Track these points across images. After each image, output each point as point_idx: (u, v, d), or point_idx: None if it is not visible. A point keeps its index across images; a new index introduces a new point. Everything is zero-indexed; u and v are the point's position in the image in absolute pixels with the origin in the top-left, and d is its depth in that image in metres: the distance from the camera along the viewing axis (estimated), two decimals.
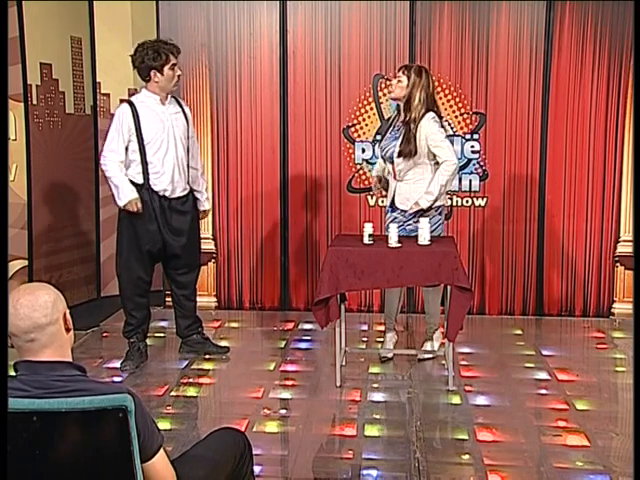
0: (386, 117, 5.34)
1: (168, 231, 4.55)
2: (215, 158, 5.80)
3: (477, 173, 5.65)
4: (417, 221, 4.33)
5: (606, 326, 5.53)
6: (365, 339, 5.22)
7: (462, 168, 5.55)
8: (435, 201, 4.45)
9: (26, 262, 5.45)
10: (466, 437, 3.67)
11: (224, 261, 5.91)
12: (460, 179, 5.61)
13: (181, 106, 4.62)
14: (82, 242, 6.13)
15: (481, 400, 4.14)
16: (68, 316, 2.08)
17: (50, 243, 5.72)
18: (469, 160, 5.64)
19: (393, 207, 4.60)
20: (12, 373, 2.04)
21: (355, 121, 5.67)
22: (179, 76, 4.51)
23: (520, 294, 5.76)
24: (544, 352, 4.93)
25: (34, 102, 5.48)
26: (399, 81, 4.47)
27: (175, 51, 4.46)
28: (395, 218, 4.56)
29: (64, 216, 5.90)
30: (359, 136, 5.69)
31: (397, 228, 4.24)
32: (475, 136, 5.62)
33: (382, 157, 4.65)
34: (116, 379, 4.43)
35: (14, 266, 5.34)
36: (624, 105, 5.51)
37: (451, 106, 5.59)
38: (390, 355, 4.75)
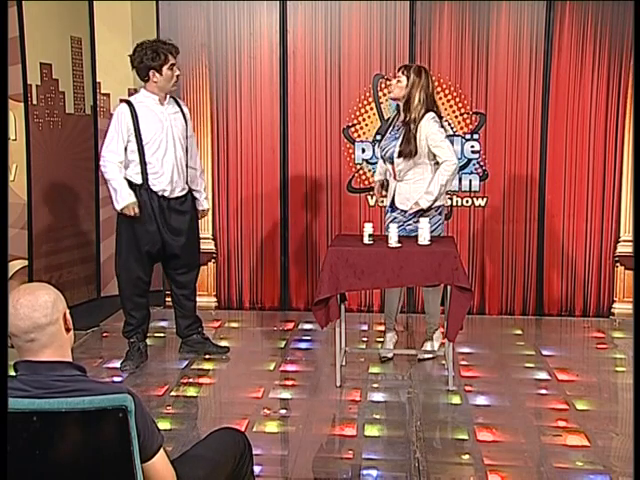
0: (386, 117, 5.35)
1: (167, 231, 4.55)
2: (215, 158, 5.80)
3: (477, 173, 5.65)
4: (417, 221, 4.33)
5: (606, 326, 5.53)
6: (365, 339, 5.22)
7: (462, 168, 5.55)
8: (435, 201, 4.45)
9: (26, 262, 5.45)
10: (466, 437, 3.67)
11: (224, 261, 5.91)
12: (460, 179, 5.61)
13: (179, 106, 4.62)
14: (82, 242, 6.13)
15: (481, 400, 4.14)
16: (68, 316, 2.08)
17: (50, 243, 5.72)
18: (469, 160, 5.64)
19: (393, 207, 4.60)
20: (12, 373, 2.04)
21: (355, 121, 5.67)
22: (178, 76, 4.51)
23: (520, 294, 5.76)
24: (544, 352, 4.93)
25: (34, 102, 5.48)
26: (398, 81, 4.47)
27: (174, 51, 4.46)
28: (395, 218, 4.56)
29: (64, 216, 5.90)
30: (359, 136, 5.69)
31: (397, 228, 4.24)
32: (475, 136, 5.62)
33: (382, 157, 4.65)
34: (116, 379, 4.43)
35: (14, 266, 5.34)
36: (624, 105, 5.51)
37: (451, 106, 5.59)
38: (390, 355, 4.75)
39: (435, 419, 3.94)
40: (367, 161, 5.69)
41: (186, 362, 4.73)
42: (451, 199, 5.61)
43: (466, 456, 3.48)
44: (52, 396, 1.94)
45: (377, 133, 5.42)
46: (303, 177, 5.76)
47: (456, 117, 5.61)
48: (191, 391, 4.29)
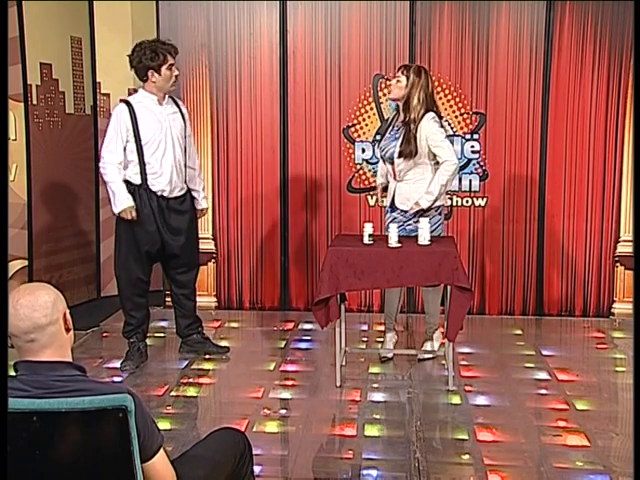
0: (386, 117, 5.34)
1: (167, 231, 4.55)
2: (215, 158, 5.79)
3: (477, 173, 5.65)
4: (417, 221, 4.33)
5: (606, 326, 5.53)
6: (365, 339, 5.22)
7: (462, 168, 5.55)
8: (435, 201, 4.45)
9: (26, 262, 5.45)
10: (466, 437, 3.67)
11: (224, 261, 5.91)
12: (460, 179, 5.61)
13: (178, 106, 4.61)
14: (82, 242, 6.13)
15: (481, 400, 4.14)
16: (68, 316, 2.08)
17: (50, 243, 5.72)
18: (469, 160, 5.64)
19: (393, 207, 4.59)
20: (12, 373, 2.04)
21: (355, 121, 5.67)
22: (177, 76, 4.50)
23: (520, 294, 5.76)
24: (544, 352, 4.93)
25: (34, 102, 5.48)
26: (398, 81, 4.47)
27: (173, 51, 4.45)
28: (395, 218, 4.56)
29: (64, 216, 5.90)
30: (359, 136, 5.69)
31: (397, 228, 4.24)
32: (475, 136, 5.62)
33: (381, 157, 4.65)
34: (116, 379, 4.43)
35: (14, 266, 5.34)
36: (624, 105, 5.51)
37: (451, 106, 5.59)
38: (390, 355, 4.75)
39: (435, 419, 3.94)
40: (367, 161, 5.69)
41: (186, 362, 4.73)
42: (451, 199, 5.61)
43: (466, 456, 3.48)
44: (52, 396, 1.94)
45: (377, 133, 5.42)
46: (303, 177, 5.76)
47: (456, 117, 5.61)
48: (191, 391, 4.29)
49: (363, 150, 5.69)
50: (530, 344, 5.11)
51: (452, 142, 4.99)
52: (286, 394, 4.24)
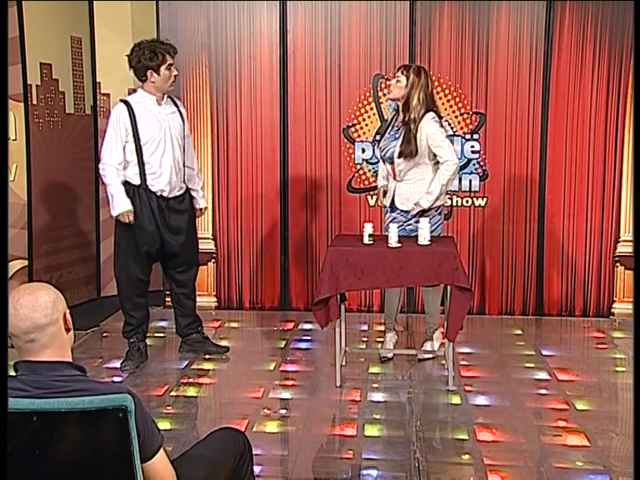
0: (386, 117, 5.34)
1: (167, 230, 4.55)
2: (215, 158, 5.79)
3: (477, 173, 5.65)
4: (417, 221, 4.33)
5: (606, 326, 5.53)
6: (365, 339, 5.22)
7: (462, 168, 5.55)
8: (435, 201, 4.45)
9: (26, 262, 5.45)
10: (466, 437, 3.67)
11: (224, 261, 5.91)
12: (460, 179, 5.61)
13: (177, 105, 4.61)
14: (82, 242, 6.13)
15: (481, 400, 4.14)
16: (68, 316, 2.08)
17: (50, 243, 5.72)
18: (469, 160, 5.64)
19: (393, 207, 4.59)
20: (12, 373, 2.04)
21: (355, 121, 5.67)
22: (176, 76, 4.50)
23: (520, 294, 5.76)
24: (544, 352, 4.93)
25: (34, 102, 5.48)
26: (398, 81, 4.47)
27: (172, 51, 4.45)
28: (395, 218, 4.56)
29: (64, 216, 5.89)
30: (359, 136, 5.69)
31: (397, 228, 4.24)
32: (475, 136, 5.62)
33: (381, 157, 4.65)
34: (116, 379, 4.43)
35: (14, 266, 5.34)
36: (624, 105, 5.51)
37: (451, 106, 5.59)
38: (390, 355, 4.75)
39: (435, 419, 3.94)
40: (367, 161, 5.69)
41: (186, 362, 4.73)
42: (451, 199, 5.61)
43: (466, 456, 3.48)
44: (52, 396, 1.94)
45: (377, 133, 5.41)
46: (303, 177, 5.76)
47: (456, 117, 5.61)
48: (191, 391, 4.29)
49: (363, 150, 5.69)
50: (530, 344, 5.11)
51: (452, 142, 4.98)
52: (286, 394, 4.24)
